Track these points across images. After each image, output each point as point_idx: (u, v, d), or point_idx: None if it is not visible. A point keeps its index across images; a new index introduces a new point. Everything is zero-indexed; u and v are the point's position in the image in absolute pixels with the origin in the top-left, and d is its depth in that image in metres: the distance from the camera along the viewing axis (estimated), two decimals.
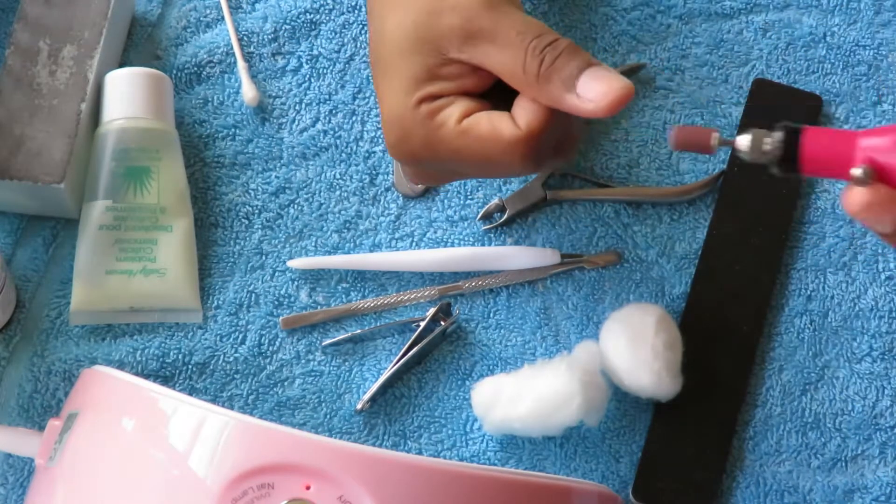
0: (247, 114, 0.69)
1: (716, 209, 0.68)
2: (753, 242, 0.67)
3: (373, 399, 0.63)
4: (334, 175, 0.68)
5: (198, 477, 0.47)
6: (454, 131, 0.55)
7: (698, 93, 0.71)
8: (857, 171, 0.48)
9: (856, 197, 0.48)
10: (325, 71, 0.70)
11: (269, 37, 0.70)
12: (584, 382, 0.61)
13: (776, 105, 0.70)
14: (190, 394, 0.63)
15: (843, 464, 0.64)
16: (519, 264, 0.66)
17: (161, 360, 0.64)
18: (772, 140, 0.50)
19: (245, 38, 0.70)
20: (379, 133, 0.69)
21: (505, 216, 0.67)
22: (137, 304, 0.64)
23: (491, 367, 0.65)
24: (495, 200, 0.68)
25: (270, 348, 0.65)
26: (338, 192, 0.68)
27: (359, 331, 0.65)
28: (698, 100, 0.71)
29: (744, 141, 0.50)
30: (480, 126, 0.55)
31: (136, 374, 0.62)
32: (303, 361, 0.65)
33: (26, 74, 0.64)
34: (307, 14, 0.71)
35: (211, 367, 0.64)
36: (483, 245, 0.67)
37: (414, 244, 0.67)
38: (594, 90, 0.53)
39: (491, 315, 0.66)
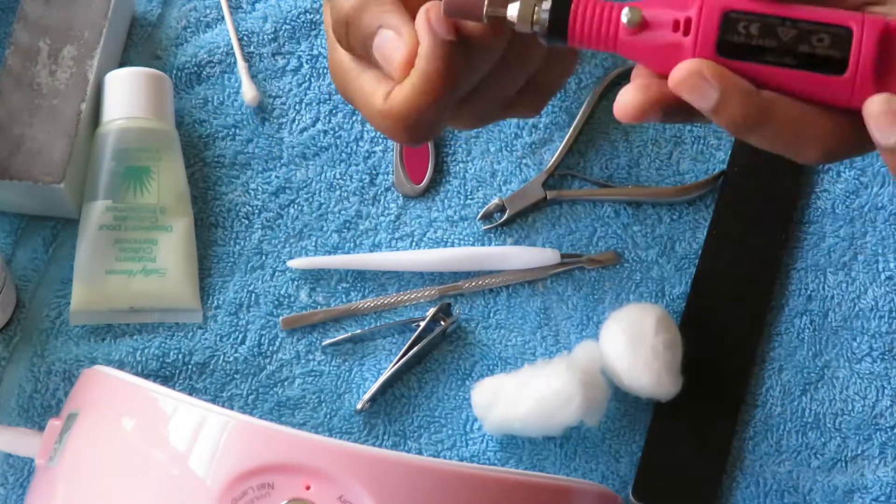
0: (247, 114, 0.69)
1: (716, 209, 0.68)
2: (753, 242, 0.67)
3: (373, 399, 0.63)
4: (334, 175, 0.68)
5: (198, 477, 0.47)
6: (351, 68, 0.50)
7: None
8: (624, 15, 0.45)
9: (624, 100, 0.45)
10: (325, 71, 0.70)
11: (269, 37, 0.70)
12: (584, 382, 0.61)
13: None
14: (190, 394, 0.63)
15: (843, 464, 0.64)
16: (519, 264, 0.66)
17: (161, 360, 0.64)
18: (543, 7, 0.46)
19: (245, 38, 0.70)
20: (379, 133, 0.69)
21: (505, 216, 0.67)
22: (137, 304, 0.64)
23: (491, 367, 0.65)
24: (495, 200, 0.68)
25: (270, 348, 0.65)
26: (338, 192, 0.68)
27: (359, 331, 0.65)
28: None
29: (513, 10, 0.46)
30: (363, 80, 0.49)
31: (136, 374, 0.62)
32: (303, 361, 0.65)
33: (26, 74, 0.64)
34: (307, 14, 0.71)
35: (211, 367, 0.64)
36: (483, 245, 0.67)
37: (414, 244, 0.67)
38: None
39: (491, 315, 0.66)
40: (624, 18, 0.45)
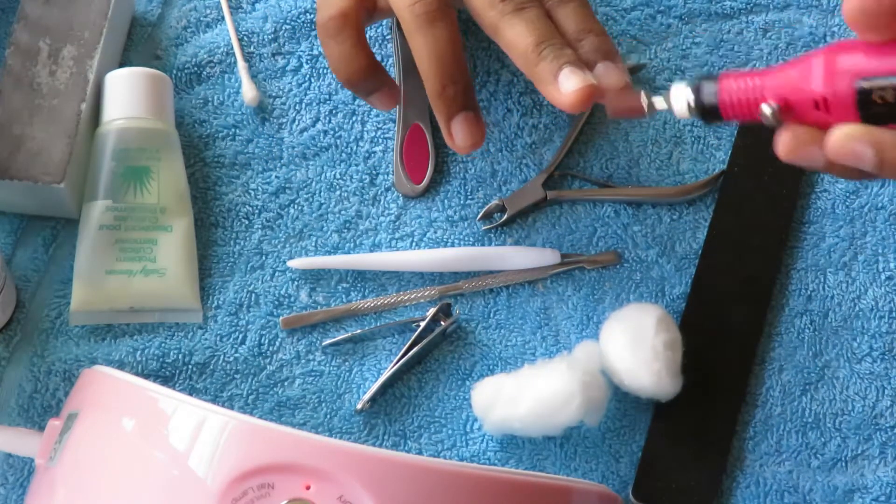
0: (247, 114, 0.69)
1: (716, 209, 0.68)
2: (753, 242, 0.67)
3: (373, 399, 0.63)
4: (334, 175, 0.68)
5: (198, 477, 0.47)
6: None
7: None
8: (766, 111, 0.48)
9: (780, 143, 0.48)
10: (325, 71, 0.70)
11: (269, 37, 0.70)
12: (584, 382, 0.61)
13: None
14: (190, 394, 0.63)
15: (843, 464, 0.64)
16: (519, 264, 0.66)
17: (161, 360, 0.64)
18: (694, 96, 0.50)
19: (245, 38, 0.70)
20: (379, 133, 0.69)
21: (505, 216, 0.67)
22: (137, 304, 0.64)
23: (491, 367, 0.65)
24: (495, 200, 0.68)
25: (270, 348, 0.65)
26: (338, 192, 0.68)
27: (359, 331, 0.65)
28: None
29: (674, 104, 0.51)
30: None
31: (136, 374, 0.62)
32: (303, 361, 0.65)
33: (26, 74, 0.64)
34: (307, 14, 0.71)
35: (211, 367, 0.64)
36: (483, 245, 0.67)
37: (414, 244, 0.67)
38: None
39: (491, 315, 0.66)
40: (765, 117, 0.48)
